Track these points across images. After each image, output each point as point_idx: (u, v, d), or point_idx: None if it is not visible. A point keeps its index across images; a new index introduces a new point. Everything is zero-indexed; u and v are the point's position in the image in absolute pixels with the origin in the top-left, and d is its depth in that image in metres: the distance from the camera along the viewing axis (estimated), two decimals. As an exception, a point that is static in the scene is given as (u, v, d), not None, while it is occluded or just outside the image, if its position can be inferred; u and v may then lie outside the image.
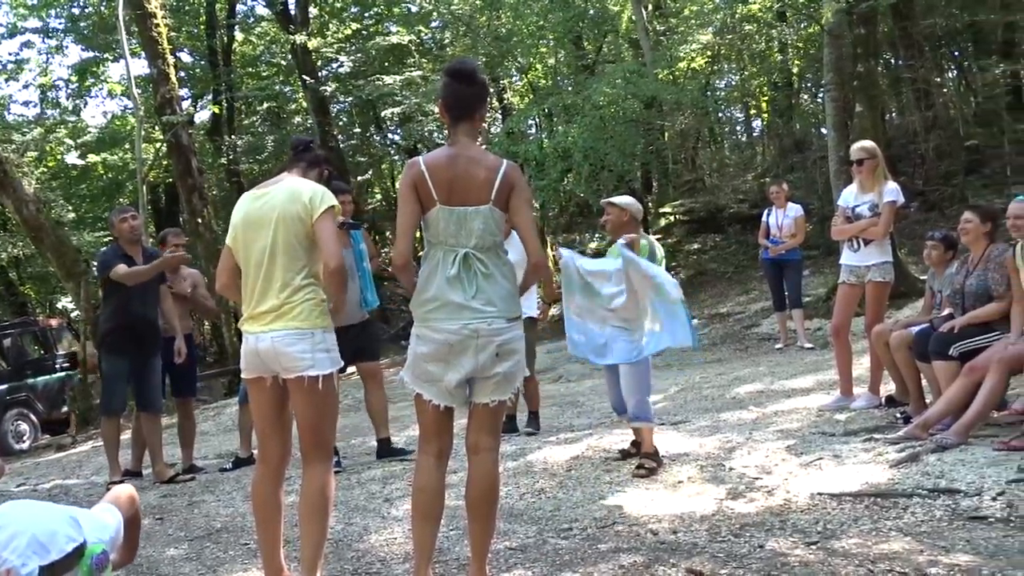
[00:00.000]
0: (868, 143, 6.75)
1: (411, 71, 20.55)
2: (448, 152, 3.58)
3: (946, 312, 5.81)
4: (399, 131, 24.26)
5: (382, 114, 22.38)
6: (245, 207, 3.87)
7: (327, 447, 3.85)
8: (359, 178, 23.97)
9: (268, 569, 3.81)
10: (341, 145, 23.26)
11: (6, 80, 26.02)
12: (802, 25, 19.19)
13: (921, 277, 10.49)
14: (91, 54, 25.04)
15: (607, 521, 4.48)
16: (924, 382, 5.83)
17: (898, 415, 5.89)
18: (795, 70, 21.90)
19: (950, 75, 19.47)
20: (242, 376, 3.88)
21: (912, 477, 4.49)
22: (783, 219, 10.39)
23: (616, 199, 5.72)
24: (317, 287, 3.79)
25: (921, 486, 4.34)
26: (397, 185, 25.76)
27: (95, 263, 7.84)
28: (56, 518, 2.54)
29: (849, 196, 6.67)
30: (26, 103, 33.29)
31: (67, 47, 26.02)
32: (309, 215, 3.72)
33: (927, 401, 5.76)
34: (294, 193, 3.77)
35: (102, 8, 22.62)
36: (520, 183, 3.60)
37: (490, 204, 3.51)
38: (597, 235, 18.70)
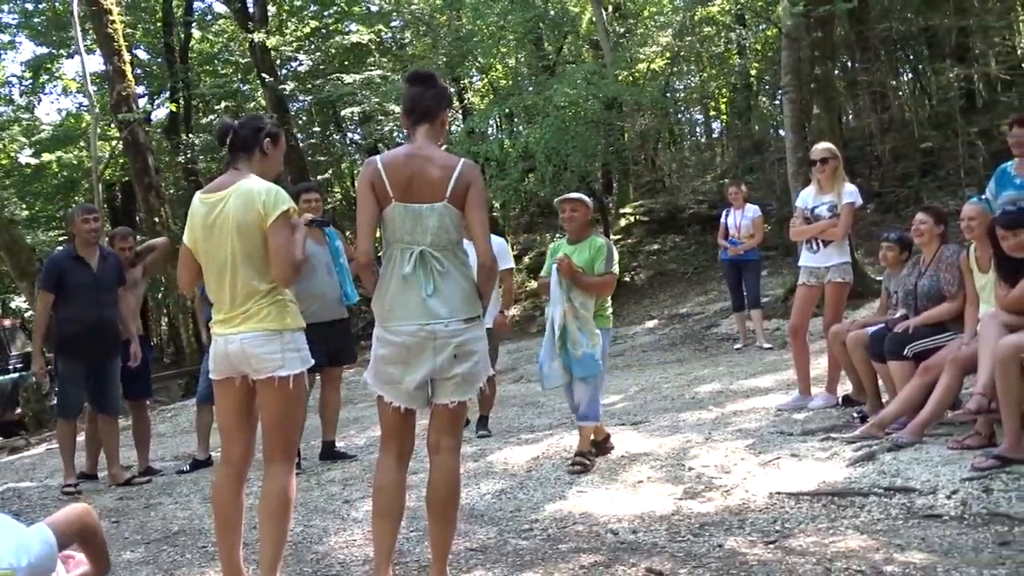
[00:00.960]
0: (830, 144, 6.83)
1: (371, 70, 20.46)
2: (405, 150, 3.61)
3: (900, 313, 5.88)
4: (359, 130, 24.15)
5: (342, 113, 22.28)
6: (200, 213, 3.74)
7: (291, 449, 3.81)
8: (318, 177, 23.81)
9: (227, 572, 3.76)
10: (300, 144, 23.10)
11: (-42, 77, 25.61)
12: (760, 28, 19.39)
13: (877, 278, 10.61)
14: (45, 50, 24.69)
15: (567, 521, 4.49)
16: (880, 382, 5.89)
17: (855, 414, 5.96)
18: (753, 72, 22.10)
19: (905, 78, 19.73)
20: (211, 377, 3.83)
21: (868, 476, 4.55)
22: (741, 219, 10.46)
23: (580, 196, 5.68)
24: (280, 287, 3.74)
25: (877, 485, 4.39)
26: (356, 184, 25.78)
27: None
28: None
29: (807, 197, 6.73)
30: (-22, 100, 32.72)
31: (20, 43, 25.66)
32: (264, 222, 3.63)
33: (883, 400, 5.83)
34: (248, 200, 3.65)
35: (56, 3, 22.28)
36: (476, 182, 3.58)
37: (445, 202, 3.51)
38: (558, 235, 18.71)
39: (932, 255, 5.77)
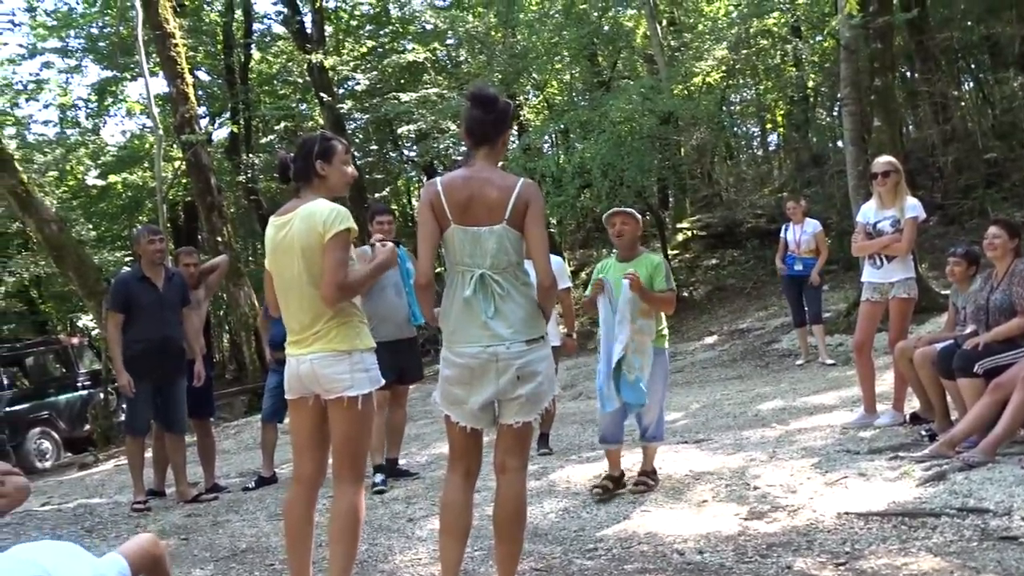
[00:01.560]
0: (892, 158, 6.74)
1: (427, 88, 20.63)
2: (464, 173, 3.63)
3: (970, 329, 5.78)
4: (415, 148, 24.34)
5: (398, 131, 22.49)
6: (271, 236, 3.86)
7: (360, 467, 3.87)
8: (376, 195, 24.06)
9: None
10: (358, 162, 23.35)
11: (26, 100, 26.29)
12: (817, 39, 19.21)
13: (942, 292, 10.46)
14: (110, 74, 25.27)
15: (632, 541, 4.47)
16: (949, 399, 5.79)
17: (923, 433, 5.85)
18: (811, 84, 21.89)
19: (967, 88, 19.42)
20: (285, 396, 3.93)
21: (940, 496, 4.46)
22: (801, 235, 10.37)
23: (630, 210, 5.47)
24: (352, 308, 3.80)
25: (949, 505, 4.31)
26: (414, 202, 25.81)
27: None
28: None
29: (869, 212, 6.64)
30: (46, 123, 33.66)
31: (86, 67, 26.28)
32: (323, 242, 3.68)
33: (952, 418, 5.72)
34: (311, 221, 3.71)
35: (120, 28, 22.81)
36: (535, 201, 3.57)
37: (504, 223, 3.52)
38: (614, 251, 18.70)
39: (1005, 269, 5.65)
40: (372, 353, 3.84)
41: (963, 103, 18.02)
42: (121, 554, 3.03)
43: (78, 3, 24.64)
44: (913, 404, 6.41)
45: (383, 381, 3.88)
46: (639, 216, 5.44)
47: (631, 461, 5.76)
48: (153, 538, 3.31)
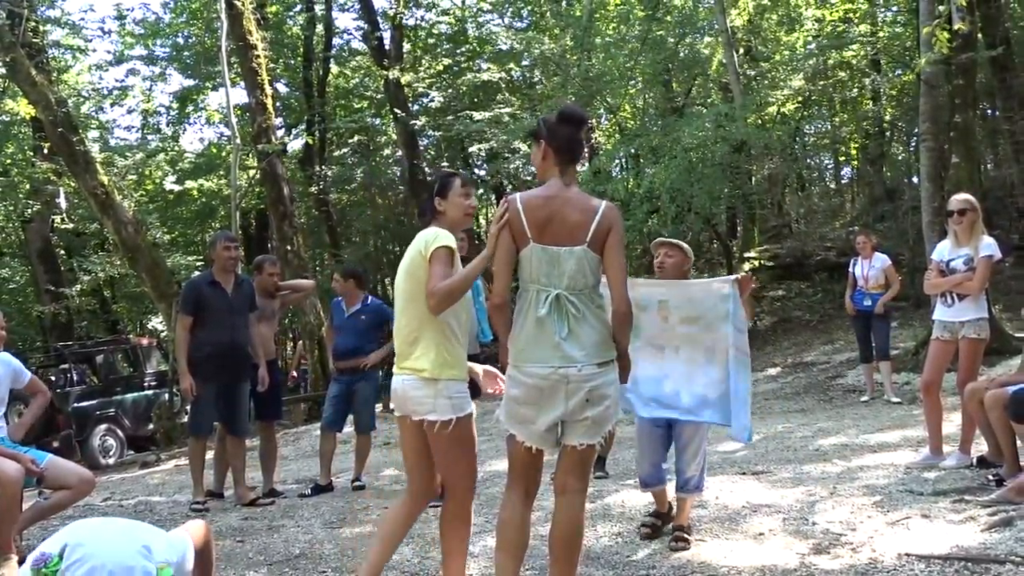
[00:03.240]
0: (969, 196, 6.62)
1: (500, 108, 20.76)
2: (546, 192, 3.62)
3: (1045, 373, 5.63)
4: (486, 167, 24.50)
5: (469, 150, 22.65)
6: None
7: (452, 487, 3.91)
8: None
9: None
10: (428, 179, 23.57)
11: (111, 105, 27.06)
12: (896, 73, 18.95)
13: (1016, 334, 10.21)
14: (192, 82, 25.89)
15: (686, 570, 4.42)
16: (1020, 443, 5.64)
17: (990, 477, 5.71)
18: (887, 118, 21.58)
19: (1050, 128, 18.94)
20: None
21: (1005, 543, 4.34)
22: (869, 269, 10.23)
23: (678, 242, 5.31)
24: (449, 334, 3.86)
25: (1015, 552, 4.18)
26: (482, 220, 25.98)
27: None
28: (131, 550, 2.54)
29: (944, 250, 6.53)
30: (128, 128, 34.55)
31: (170, 75, 26.98)
32: (423, 262, 3.80)
33: (1023, 464, 5.57)
34: (415, 245, 3.89)
35: (205, 39, 23.37)
36: (617, 226, 3.56)
37: (585, 246, 3.52)
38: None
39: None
40: (461, 383, 3.89)
41: (1045, 143, 17.58)
42: (187, 532, 3.12)
43: (166, 13, 25.36)
44: (981, 447, 6.26)
45: (469, 410, 3.89)
46: (687, 249, 5.26)
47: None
48: (204, 523, 3.44)
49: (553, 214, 3.55)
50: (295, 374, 18.87)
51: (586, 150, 21.19)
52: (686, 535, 4.87)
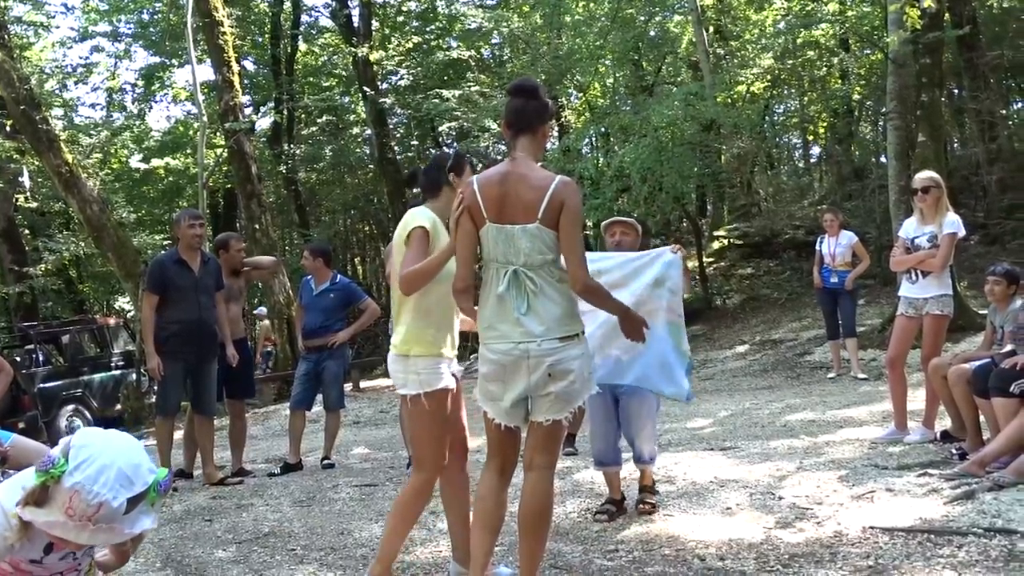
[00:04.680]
0: (934, 173, 6.67)
1: (469, 86, 20.67)
2: (501, 170, 3.62)
3: (1008, 348, 5.70)
4: (456, 146, 24.39)
5: (439, 129, 22.55)
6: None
7: (419, 461, 3.98)
8: (414, 190, 24.13)
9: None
10: (397, 157, 23.46)
11: (75, 83, 26.67)
12: (865, 52, 19.03)
13: (980, 311, 10.32)
14: (158, 59, 25.58)
15: (654, 544, 4.45)
16: (982, 418, 5.72)
17: (954, 451, 5.80)
18: (856, 97, 21.68)
19: (1015, 107, 19.17)
20: None
21: (967, 515, 4.41)
22: (836, 247, 10.31)
23: (631, 219, 5.37)
24: (426, 316, 3.91)
25: (976, 524, 4.25)
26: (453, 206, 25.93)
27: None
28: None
29: (909, 227, 6.59)
30: (93, 106, 34.07)
31: (135, 52, 26.66)
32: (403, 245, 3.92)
33: (984, 438, 5.66)
34: (402, 227, 3.98)
35: (171, 15, 23.08)
36: (570, 200, 3.51)
37: (537, 223, 3.50)
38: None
39: (1049, 289, 5.59)
40: (431, 359, 3.90)
41: (1011, 122, 17.78)
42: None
43: (130, -12, 24.98)
44: (944, 422, 6.34)
45: (440, 386, 3.90)
46: (639, 228, 5.31)
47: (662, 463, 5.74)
48: None
49: (507, 192, 3.54)
50: (259, 358, 18.78)
51: (555, 130, 21.24)
52: (650, 497, 5.07)
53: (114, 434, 2.52)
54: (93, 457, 2.36)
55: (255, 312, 20.61)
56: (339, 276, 7.94)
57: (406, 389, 3.90)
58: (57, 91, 25.89)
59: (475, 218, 3.59)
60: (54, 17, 26.45)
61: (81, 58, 33.87)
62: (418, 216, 3.92)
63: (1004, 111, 17.37)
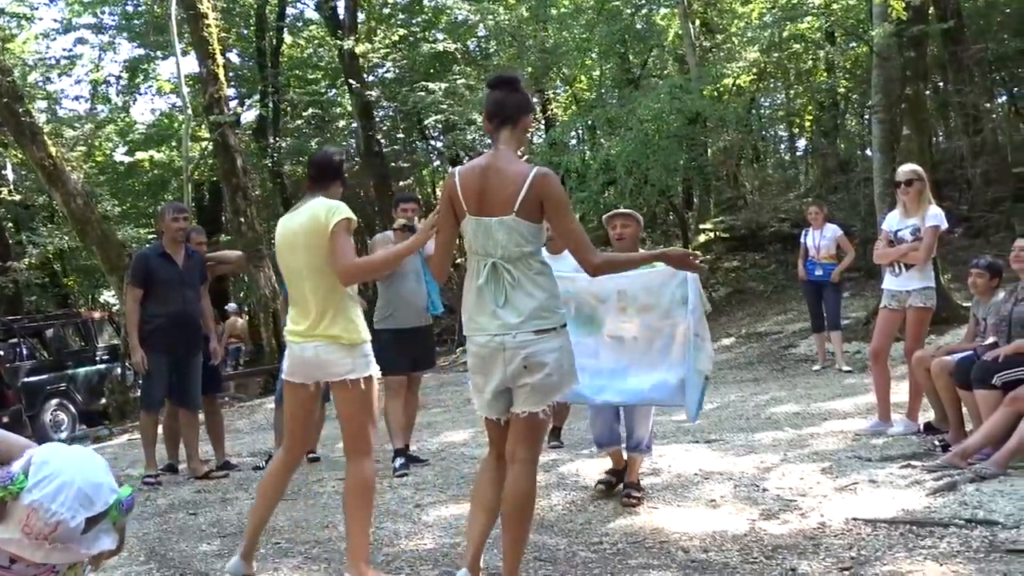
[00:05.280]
0: (916, 166, 6.70)
1: (455, 79, 20.63)
2: (481, 163, 3.63)
3: (990, 340, 5.73)
4: (442, 139, 24.38)
5: (425, 121, 22.50)
6: (279, 231, 4.22)
7: (366, 442, 4.11)
8: (401, 184, 24.09)
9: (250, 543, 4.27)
10: (384, 150, 23.39)
11: (59, 75, 26.44)
12: (851, 46, 19.07)
13: (964, 304, 10.38)
14: (142, 52, 25.38)
15: (638, 536, 4.47)
16: (964, 410, 5.75)
17: (936, 442, 5.83)
18: (841, 90, 21.73)
19: (999, 101, 19.24)
20: (284, 378, 4.31)
21: (949, 506, 4.44)
22: (820, 240, 10.33)
23: (631, 212, 5.43)
24: (354, 300, 4.15)
25: (958, 516, 4.28)
26: (438, 192, 25.75)
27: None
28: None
29: (893, 220, 6.62)
30: (77, 98, 33.81)
31: (119, 44, 26.38)
32: (326, 233, 3.97)
33: (967, 430, 5.69)
34: (314, 215, 4.05)
35: (155, 7, 22.92)
36: (549, 191, 3.52)
37: (513, 215, 3.50)
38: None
39: (1031, 282, 5.62)
40: (369, 343, 4.16)
41: (994, 116, 17.84)
42: None
43: (114, -20, 24.79)
44: (928, 414, 6.38)
45: (377, 368, 4.15)
46: (640, 218, 5.41)
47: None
48: None
49: (486, 185, 3.55)
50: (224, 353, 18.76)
51: (540, 118, 21.15)
52: (636, 492, 5.10)
53: (77, 451, 2.49)
54: (53, 475, 2.31)
55: (226, 308, 20.65)
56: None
57: (356, 373, 4.02)
58: (40, 83, 25.70)
59: (457, 211, 3.61)
60: (37, 8, 26.23)
61: (65, 50, 33.51)
62: (343, 207, 4.05)
63: (988, 104, 17.42)
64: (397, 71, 23.02)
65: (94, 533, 2.34)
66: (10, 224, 24.65)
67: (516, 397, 3.60)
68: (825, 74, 21.60)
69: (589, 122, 18.76)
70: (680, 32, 19.29)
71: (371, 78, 23.19)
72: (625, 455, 5.30)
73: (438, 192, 24.40)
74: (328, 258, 3.96)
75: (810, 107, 22.76)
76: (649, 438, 5.24)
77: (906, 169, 6.58)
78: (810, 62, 21.36)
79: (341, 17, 22.81)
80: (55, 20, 26.10)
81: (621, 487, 5.24)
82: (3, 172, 20.49)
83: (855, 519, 4.40)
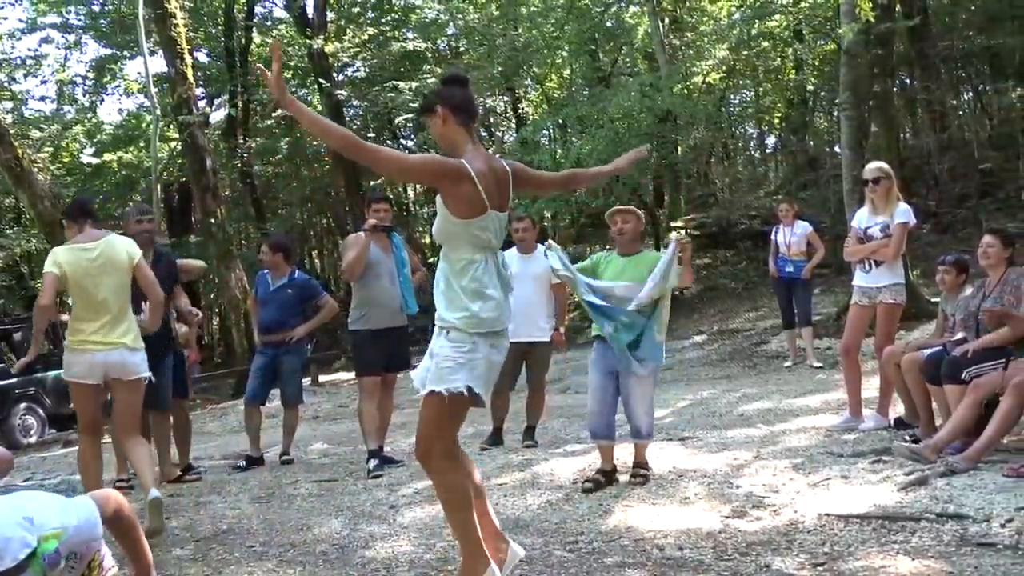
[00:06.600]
0: (883, 164, 6.74)
1: (426, 78, 20.59)
2: (481, 156, 3.64)
3: (959, 336, 5.79)
4: (413, 138, 24.31)
5: (396, 121, 22.45)
6: (74, 259, 5.52)
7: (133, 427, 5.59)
8: (371, 183, 24.02)
9: None
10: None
11: (24, 76, 26.12)
12: (819, 43, 19.22)
13: (933, 299, 10.48)
14: (109, 51, 25.14)
15: (613, 535, 4.48)
16: (934, 405, 5.80)
17: (907, 437, 5.86)
18: (810, 88, 21.90)
19: (966, 97, 19.45)
20: (84, 382, 5.48)
21: (920, 501, 4.48)
22: (791, 236, 10.39)
23: (632, 208, 5.63)
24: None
25: (929, 510, 4.32)
26: (409, 191, 25.63)
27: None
28: (10, 522, 2.44)
29: (862, 217, 6.66)
30: (43, 99, 33.39)
31: (86, 44, 26.13)
32: (131, 266, 5.50)
33: (937, 424, 5.74)
34: (118, 249, 5.55)
35: (122, 6, 22.71)
36: (521, 167, 3.84)
37: (508, 210, 3.71)
38: (607, 247, 18.71)
39: (999, 278, 5.67)
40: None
41: (961, 112, 18.08)
42: (91, 498, 3.05)
43: (80, -22, 24.53)
44: (898, 409, 6.43)
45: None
46: (640, 214, 5.58)
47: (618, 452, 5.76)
48: (110, 492, 3.41)
49: (496, 180, 3.62)
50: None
51: (511, 117, 21.10)
52: (644, 470, 5.37)
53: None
54: None
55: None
56: (297, 272, 7.87)
57: (144, 372, 5.65)
58: (6, 83, 25.39)
59: (474, 201, 3.63)
60: (2, 8, 25.92)
61: (30, 50, 33.26)
62: (134, 244, 5.72)
63: (955, 101, 17.65)
64: (367, 70, 22.96)
65: None
66: (-24, 227, 24.37)
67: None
68: (794, 71, 21.76)
69: (560, 120, 18.80)
70: (650, 30, 19.35)
71: (341, 77, 23.13)
72: (628, 444, 5.55)
73: (409, 192, 24.37)
74: (128, 284, 5.59)
75: (779, 104, 22.93)
76: (649, 425, 5.42)
77: (873, 167, 6.62)
78: (779, 60, 21.50)
79: (310, 16, 22.72)
80: (20, 20, 25.75)
81: (629, 474, 5.43)
82: (-32, 174, 20.20)
83: (828, 515, 4.42)
